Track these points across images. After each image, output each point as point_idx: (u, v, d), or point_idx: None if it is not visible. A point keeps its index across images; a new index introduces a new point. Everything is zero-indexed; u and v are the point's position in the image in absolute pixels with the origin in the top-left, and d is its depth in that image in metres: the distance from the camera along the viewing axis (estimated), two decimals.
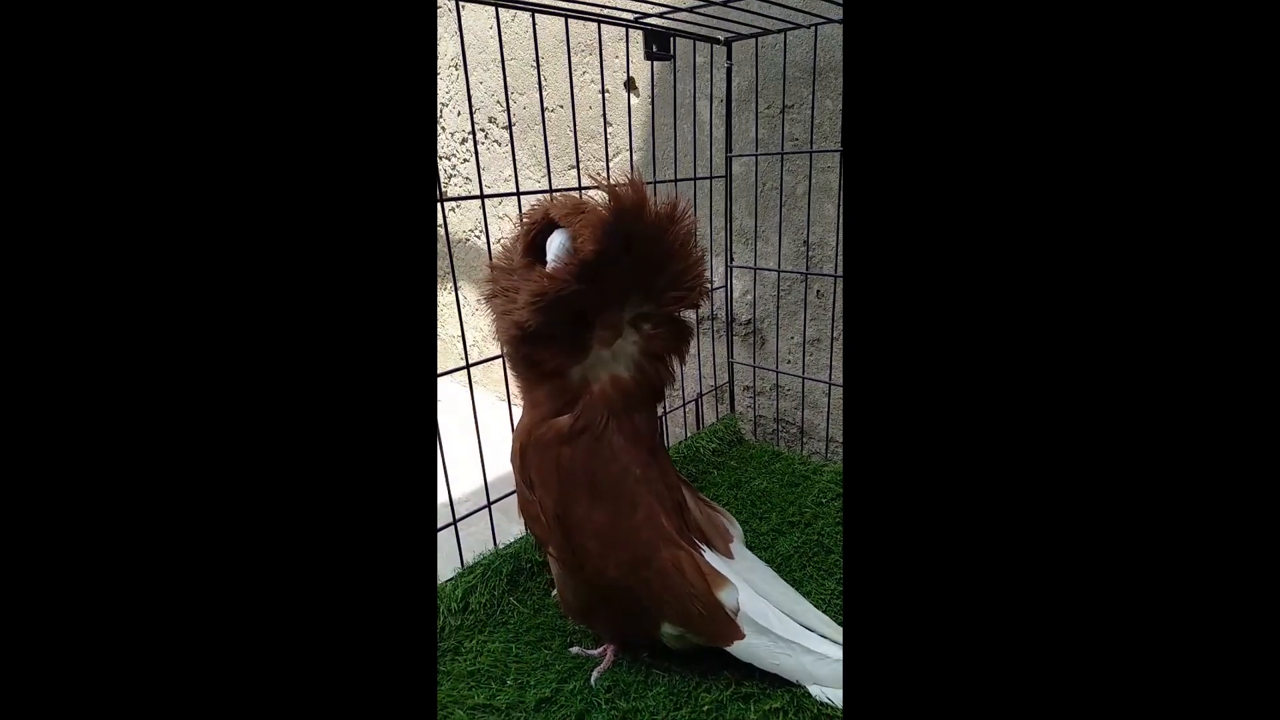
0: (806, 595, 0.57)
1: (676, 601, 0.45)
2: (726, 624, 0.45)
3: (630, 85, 0.91)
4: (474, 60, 1.15)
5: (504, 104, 1.14)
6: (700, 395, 0.90)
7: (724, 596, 0.46)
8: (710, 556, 0.48)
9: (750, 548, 0.64)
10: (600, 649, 0.52)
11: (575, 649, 0.53)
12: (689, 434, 0.87)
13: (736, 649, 0.46)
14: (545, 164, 0.62)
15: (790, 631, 0.47)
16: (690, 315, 0.49)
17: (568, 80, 0.78)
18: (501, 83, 1.12)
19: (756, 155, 0.80)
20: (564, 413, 0.46)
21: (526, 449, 0.47)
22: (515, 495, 0.66)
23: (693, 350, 0.93)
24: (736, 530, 0.54)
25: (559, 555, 0.48)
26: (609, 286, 0.44)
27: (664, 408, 0.90)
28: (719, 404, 0.93)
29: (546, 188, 0.62)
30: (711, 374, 0.92)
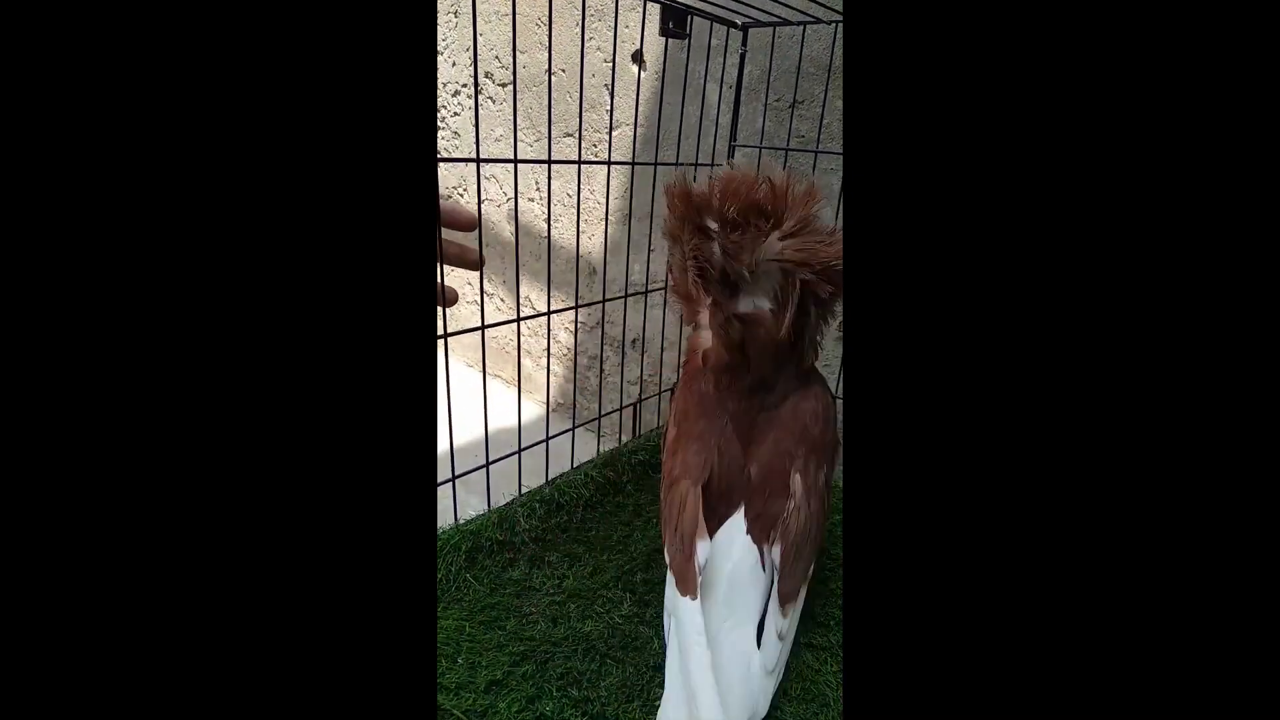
0: None
1: (670, 529, 0.49)
2: (689, 575, 0.45)
3: (638, 59, 0.88)
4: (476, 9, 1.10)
5: (501, 59, 1.09)
6: (676, 385, 0.89)
7: (700, 545, 0.46)
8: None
9: None
10: None
11: None
12: (661, 422, 0.86)
13: (680, 605, 0.45)
14: (547, 128, 0.59)
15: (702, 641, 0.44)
16: (763, 316, 0.48)
17: (575, 43, 0.75)
18: (500, 37, 1.07)
19: (760, 148, 0.78)
20: (697, 343, 0.54)
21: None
22: (480, 470, 0.65)
23: (671, 339, 0.93)
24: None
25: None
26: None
27: (638, 395, 0.90)
28: None
29: (545, 153, 0.60)
30: None
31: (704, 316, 0.51)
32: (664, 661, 0.48)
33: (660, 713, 0.44)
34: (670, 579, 0.48)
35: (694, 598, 0.44)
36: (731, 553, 0.48)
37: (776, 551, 0.47)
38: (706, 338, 0.52)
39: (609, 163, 0.64)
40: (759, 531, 0.48)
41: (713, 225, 0.46)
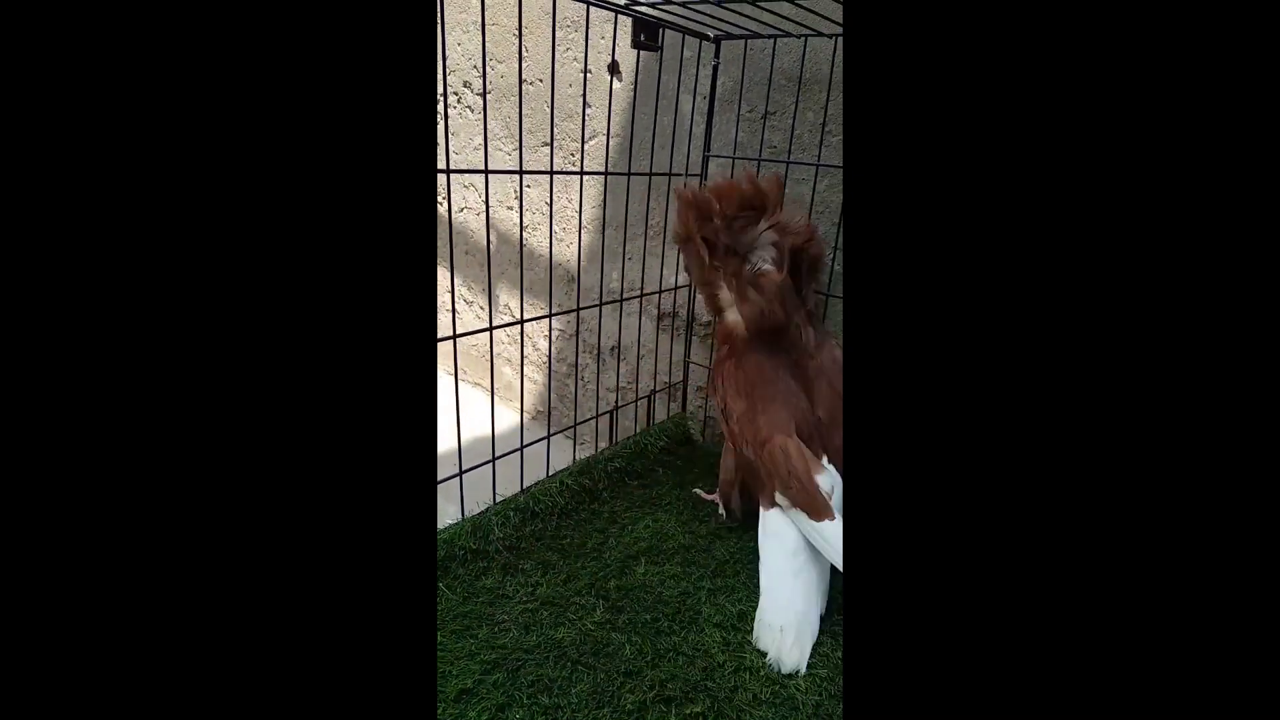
0: (739, 601, 0.58)
1: (781, 477, 0.57)
2: (821, 502, 0.55)
3: (614, 69, 0.89)
4: (453, 19, 1.10)
5: (479, 68, 1.09)
6: (654, 392, 0.89)
7: (820, 480, 0.56)
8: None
9: (688, 549, 0.65)
10: (713, 495, 0.72)
11: (697, 489, 0.75)
12: (638, 429, 0.86)
13: (823, 528, 0.54)
14: (518, 138, 0.60)
15: None
16: (769, 272, 0.61)
17: (549, 54, 0.76)
18: (479, 46, 1.08)
19: (734, 158, 0.79)
20: (730, 328, 0.65)
21: (715, 370, 0.68)
22: (454, 479, 0.65)
23: (649, 346, 0.93)
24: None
25: (726, 434, 0.66)
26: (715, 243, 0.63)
27: (615, 402, 0.90)
28: (671, 402, 0.93)
29: (517, 164, 0.60)
30: (667, 371, 0.92)
31: (725, 297, 0.64)
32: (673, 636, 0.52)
33: (762, 613, 0.55)
34: (774, 520, 0.58)
35: (833, 518, 0.54)
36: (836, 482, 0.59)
37: None
38: (731, 320, 0.65)
39: (581, 173, 0.64)
40: (839, 460, 0.60)
41: (716, 221, 0.60)
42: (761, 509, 0.60)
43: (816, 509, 0.55)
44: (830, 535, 0.54)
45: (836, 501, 0.57)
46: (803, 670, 0.51)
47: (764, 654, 0.52)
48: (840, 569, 0.54)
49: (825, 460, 0.59)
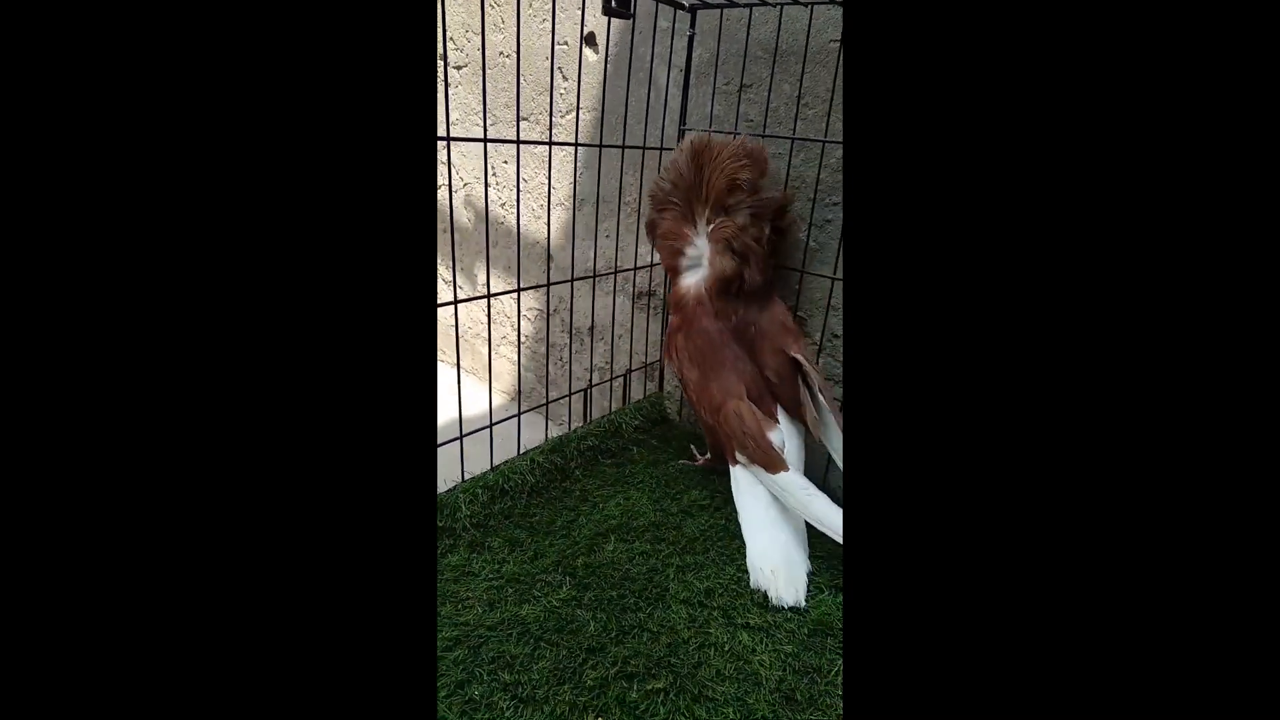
0: (707, 578, 0.58)
1: (738, 438, 0.62)
2: (775, 457, 0.60)
3: (590, 41, 0.87)
4: None
5: (455, 40, 1.07)
6: (629, 371, 0.89)
7: (772, 436, 0.62)
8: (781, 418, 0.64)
9: (659, 527, 0.65)
10: (702, 459, 0.76)
11: (683, 462, 0.77)
12: (613, 408, 0.86)
13: (780, 479, 0.59)
14: (482, 107, 0.58)
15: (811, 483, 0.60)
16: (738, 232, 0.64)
17: (527, 25, 0.73)
18: (454, 19, 1.05)
19: (710, 132, 0.78)
20: (681, 294, 0.68)
21: (669, 340, 0.71)
22: None
23: (625, 326, 0.92)
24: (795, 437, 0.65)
25: (688, 400, 0.73)
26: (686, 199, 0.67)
27: (590, 380, 0.89)
28: (648, 381, 0.93)
29: (501, 135, 0.59)
30: (644, 350, 0.91)
31: (685, 260, 0.67)
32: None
33: (751, 559, 0.59)
34: (743, 476, 0.63)
35: (788, 469, 0.59)
36: (790, 436, 0.64)
37: (821, 395, 0.63)
38: (684, 285, 0.68)
39: (549, 144, 0.63)
40: (795, 413, 0.65)
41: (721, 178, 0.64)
42: (730, 467, 0.65)
43: (772, 463, 0.60)
44: (786, 484, 0.59)
45: (790, 455, 0.62)
46: (802, 604, 0.55)
47: (764, 591, 0.56)
48: (800, 515, 0.59)
49: (780, 415, 0.64)
